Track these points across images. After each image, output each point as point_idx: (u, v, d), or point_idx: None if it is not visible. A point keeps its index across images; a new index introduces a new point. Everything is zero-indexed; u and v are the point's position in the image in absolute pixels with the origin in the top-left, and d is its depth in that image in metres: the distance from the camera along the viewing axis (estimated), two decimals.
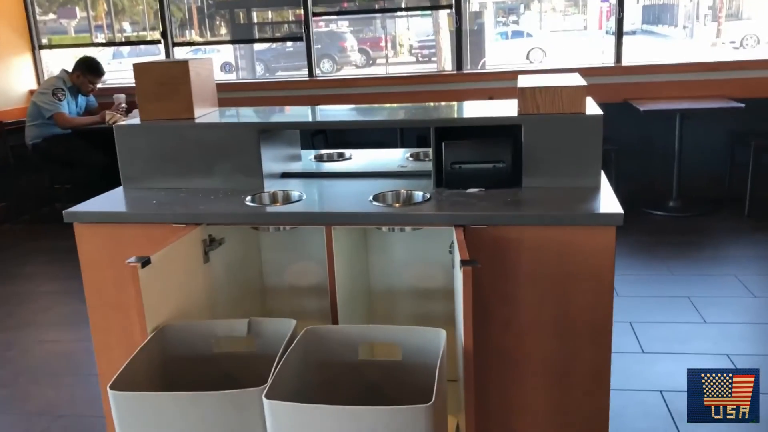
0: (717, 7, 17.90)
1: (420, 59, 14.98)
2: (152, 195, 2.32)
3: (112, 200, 2.34)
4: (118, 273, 2.17)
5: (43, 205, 5.78)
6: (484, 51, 12.17)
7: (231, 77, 11.82)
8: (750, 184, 4.75)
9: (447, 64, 9.45)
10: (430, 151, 2.77)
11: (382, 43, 15.99)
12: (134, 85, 2.47)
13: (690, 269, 3.87)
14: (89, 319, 2.30)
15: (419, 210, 2.05)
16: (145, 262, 1.81)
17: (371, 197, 2.15)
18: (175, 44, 5.89)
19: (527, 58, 14.20)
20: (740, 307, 3.44)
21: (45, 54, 6.32)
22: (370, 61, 15.08)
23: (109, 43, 9.31)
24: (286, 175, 2.53)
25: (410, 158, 2.75)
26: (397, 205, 2.13)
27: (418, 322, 2.53)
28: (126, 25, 11.70)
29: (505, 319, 2.00)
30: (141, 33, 12.30)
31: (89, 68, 5.38)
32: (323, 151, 2.90)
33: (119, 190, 2.44)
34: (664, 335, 3.14)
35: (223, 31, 11.50)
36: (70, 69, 5.43)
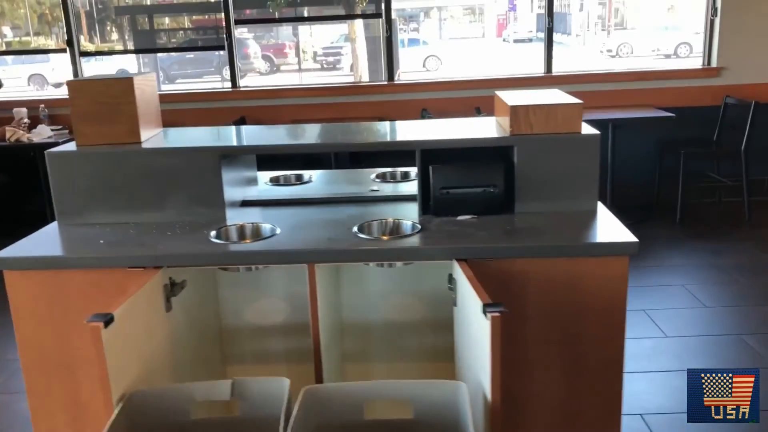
0: (606, 17, 18.82)
1: (325, 66, 14.78)
2: (96, 233, 2.00)
3: (49, 241, 2.01)
4: (61, 328, 1.87)
5: None
6: (398, 60, 12.11)
7: None
8: (680, 192, 4.85)
9: (364, 74, 9.30)
10: (398, 171, 2.60)
11: (287, 50, 15.70)
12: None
13: (638, 281, 3.87)
14: (24, 381, 1.96)
15: (413, 243, 1.86)
16: (108, 320, 1.52)
17: (355, 228, 1.94)
18: (82, 53, 5.40)
19: (423, 65, 14.29)
20: (695, 319, 3.45)
21: None
22: (275, 68, 14.74)
23: (7, 52, 8.40)
24: (246, 204, 2.27)
25: (377, 179, 2.56)
26: (386, 237, 1.93)
27: (398, 359, 2.34)
28: (6, 30, 10.78)
29: (509, 359, 1.83)
30: (24, 39, 11.43)
31: None
32: (279, 173, 2.65)
33: (53, 227, 2.10)
34: (630, 352, 3.05)
35: (115, 36, 10.84)
36: None
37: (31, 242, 1.97)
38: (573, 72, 5.48)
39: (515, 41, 17.27)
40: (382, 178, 2.58)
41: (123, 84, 2.08)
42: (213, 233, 1.95)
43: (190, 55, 15.10)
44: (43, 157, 2.08)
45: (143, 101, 2.15)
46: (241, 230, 2.01)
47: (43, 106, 5.14)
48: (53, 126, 5.06)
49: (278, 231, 1.96)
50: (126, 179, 2.08)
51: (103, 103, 2.08)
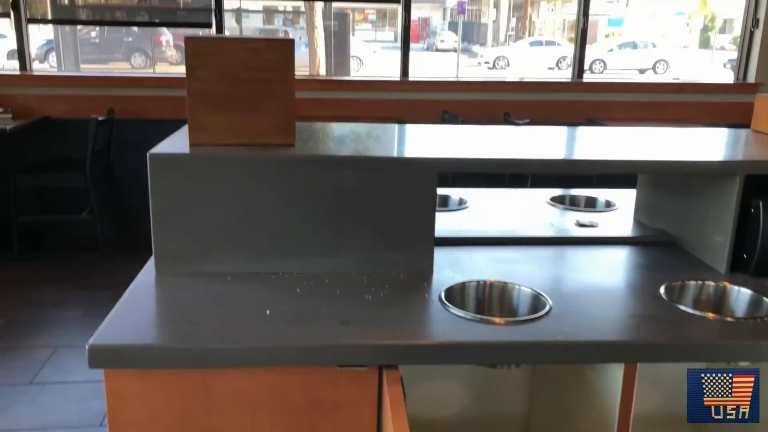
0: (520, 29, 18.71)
1: None
2: (249, 294, 1.18)
3: (172, 310, 1.16)
4: None
5: None
6: (348, 55, 11.26)
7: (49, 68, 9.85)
8: None
9: (321, 68, 8.50)
10: (580, 197, 1.92)
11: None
12: None
13: None
14: None
15: None
16: None
17: (662, 291, 1.23)
18: (30, 20, 4.32)
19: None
20: None
21: None
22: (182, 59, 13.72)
23: None
24: (440, 242, 1.49)
25: (554, 204, 1.86)
26: (711, 314, 1.21)
27: None
28: None
29: None
30: None
31: None
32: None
33: (148, 282, 1.24)
34: None
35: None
36: None
37: (136, 316, 1.12)
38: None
39: (437, 50, 16.84)
40: (560, 202, 1.88)
41: (280, 48, 1.26)
42: (442, 295, 1.18)
43: (95, 38, 13.77)
44: None
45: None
46: (486, 292, 1.26)
47: None
48: None
49: (550, 301, 1.21)
50: (277, 204, 1.26)
51: (245, 79, 1.26)
